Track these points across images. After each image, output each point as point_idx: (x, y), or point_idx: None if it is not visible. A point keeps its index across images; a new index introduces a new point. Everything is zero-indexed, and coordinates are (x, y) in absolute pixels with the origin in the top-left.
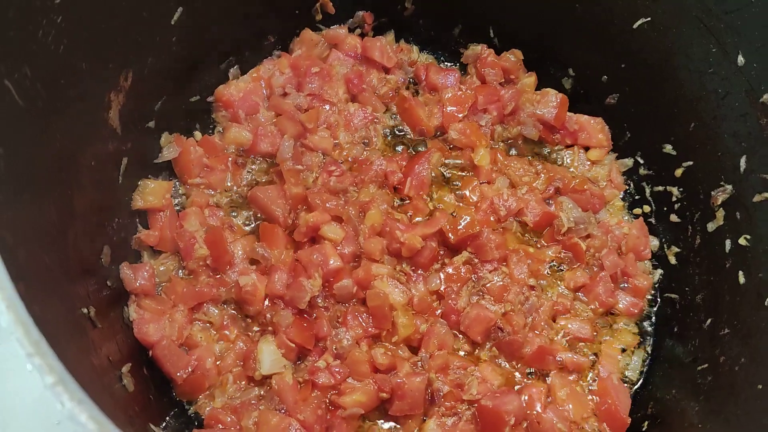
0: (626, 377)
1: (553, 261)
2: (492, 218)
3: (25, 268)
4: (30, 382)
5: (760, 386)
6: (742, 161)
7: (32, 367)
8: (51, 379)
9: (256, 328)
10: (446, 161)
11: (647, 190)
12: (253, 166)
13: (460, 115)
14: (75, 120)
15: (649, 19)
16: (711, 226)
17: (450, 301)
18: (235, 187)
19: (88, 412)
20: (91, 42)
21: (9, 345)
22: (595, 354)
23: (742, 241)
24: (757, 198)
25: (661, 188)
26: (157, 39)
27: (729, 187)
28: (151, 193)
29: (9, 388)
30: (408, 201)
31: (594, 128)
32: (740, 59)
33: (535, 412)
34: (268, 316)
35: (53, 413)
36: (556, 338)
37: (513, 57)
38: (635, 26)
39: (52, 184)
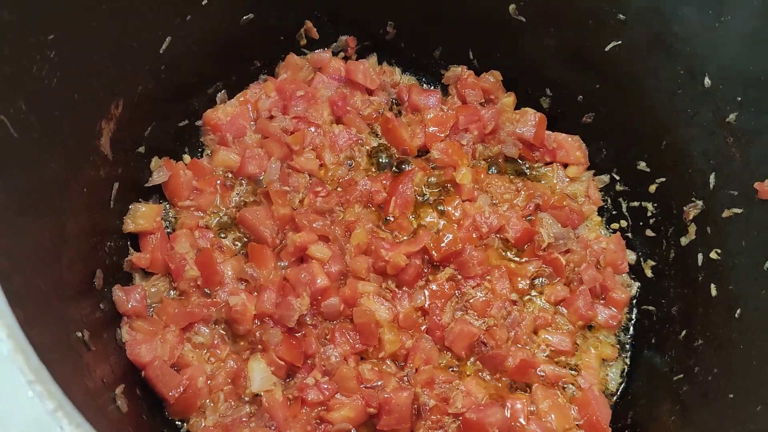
0: (606, 388)
1: (534, 276)
2: (474, 235)
3: (22, 294)
4: (24, 406)
5: (731, 395)
6: (712, 178)
7: (33, 393)
8: (51, 405)
9: (246, 347)
10: (429, 180)
11: (623, 206)
12: (241, 188)
13: (442, 135)
14: (68, 149)
15: (620, 42)
16: (684, 241)
17: (434, 317)
18: (223, 209)
19: None
20: (83, 74)
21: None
22: (576, 366)
23: (713, 255)
24: (726, 213)
25: (636, 204)
26: (146, 68)
27: (700, 202)
28: (142, 216)
29: (1, 410)
30: (392, 220)
31: (572, 146)
32: (706, 81)
33: (518, 424)
34: (258, 334)
35: None
36: (537, 351)
37: (492, 78)
38: (607, 49)
39: (47, 211)
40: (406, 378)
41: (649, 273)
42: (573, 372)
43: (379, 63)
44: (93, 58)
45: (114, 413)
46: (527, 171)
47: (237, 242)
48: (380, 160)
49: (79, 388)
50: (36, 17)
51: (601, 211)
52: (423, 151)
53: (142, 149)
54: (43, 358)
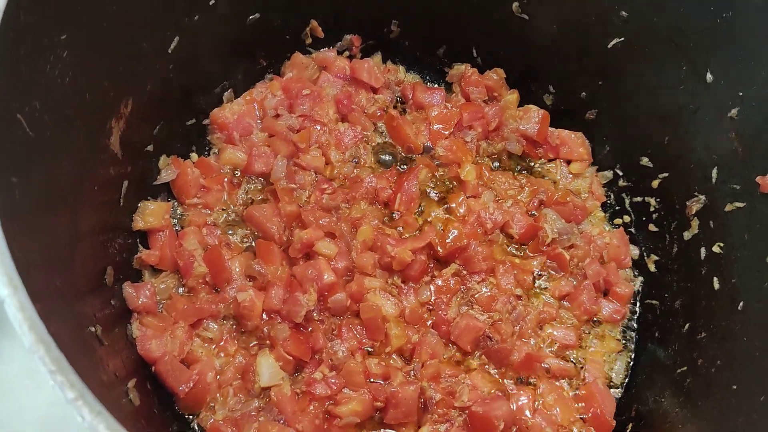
0: (611, 381)
1: (538, 271)
2: (479, 231)
3: (39, 290)
4: (35, 401)
5: (734, 386)
6: (714, 173)
7: (54, 383)
8: (72, 395)
9: (254, 342)
10: (434, 176)
11: (626, 201)
12: (248, 186)
13: (447, 132)
14: (80, 147)
15: (622, 39)
16: (687, 235)
17: (440, 312)
18: (231, 206)
19: (106, 423)
20: (95, 73)
21: (11, 366)
22: (581, 360)
23: (716, 249)
24: (728, 207)
25: (639, 199)
26: (155, 67)
27: (702, 197)
28: (150, 214)
29: (15, 408)
30: (398, 216)
31: (575, 142)
32: (709, 76)
33: (524, 417)
34: (266, 330)
35: (61, 429)
36: (542, 345)
37: (495, 75)
38: (610, 46)
39: (61, 209)
40: (412, 372)
41: (652, 267)
42: (578, 365)
43: (384, 61)
44: (104, 58)
45: (127, 406)
46: (531, 167)
47: (245, 239)
48: (384, 157)
49: (95, 381)
50: (50, 18)
51: (604, 207)
52: (427, 148)
53: (150, 148)
54: (62, 350)
